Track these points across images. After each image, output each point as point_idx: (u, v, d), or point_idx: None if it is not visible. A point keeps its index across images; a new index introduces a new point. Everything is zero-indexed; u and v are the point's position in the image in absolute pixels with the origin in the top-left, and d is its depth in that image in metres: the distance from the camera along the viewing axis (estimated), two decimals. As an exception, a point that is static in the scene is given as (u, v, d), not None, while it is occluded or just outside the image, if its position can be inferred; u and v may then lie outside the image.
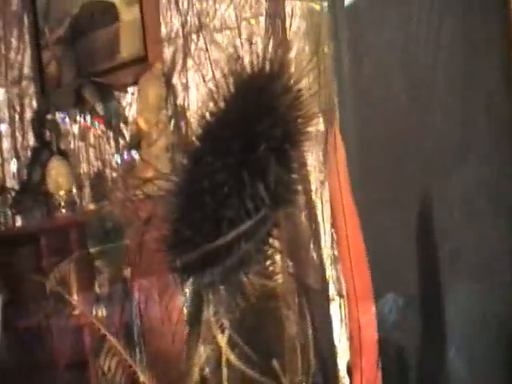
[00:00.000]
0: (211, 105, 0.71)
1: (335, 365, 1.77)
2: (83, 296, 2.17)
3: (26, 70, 2.51)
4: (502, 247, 1.47)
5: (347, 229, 1.29)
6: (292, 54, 1.71)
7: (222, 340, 0.76)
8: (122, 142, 2.19)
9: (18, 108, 2.54)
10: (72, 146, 2.37)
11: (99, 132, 2.26)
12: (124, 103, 2.22)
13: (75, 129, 2.35)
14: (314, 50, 1.72)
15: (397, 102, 1.60)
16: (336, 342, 1.77)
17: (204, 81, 1.96)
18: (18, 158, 2.53)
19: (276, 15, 1.75)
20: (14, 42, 2.53)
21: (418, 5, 1.54)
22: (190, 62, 1.99)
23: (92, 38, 2.31)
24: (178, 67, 2.05)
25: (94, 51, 2.31)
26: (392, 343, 1.56)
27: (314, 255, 1.72)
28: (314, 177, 1.67)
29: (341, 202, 1.27)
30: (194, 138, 0.73)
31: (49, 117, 2.40)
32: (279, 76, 0.70)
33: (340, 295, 1.72)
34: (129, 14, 2.21)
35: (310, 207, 1.67)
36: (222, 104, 0.71)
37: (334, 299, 1.74)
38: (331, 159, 1.24)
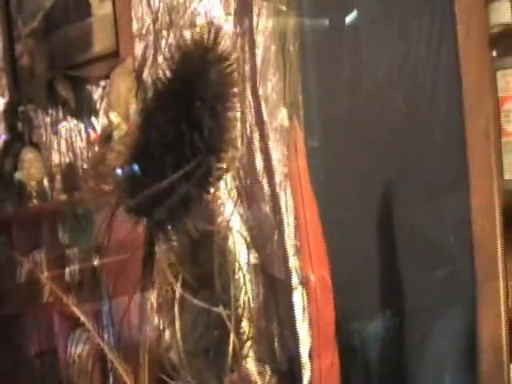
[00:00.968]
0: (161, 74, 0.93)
1: (298, 352, 1.82)
2: (55, 285, 2.21)
3: (-1, 62, 2.54)
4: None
5: (306, 218, 1.37)
6: (258, 52, 1.77)
7: (170, 275, 0.94)
8: (92, 134, 2.23)
9: (-10, 100, 2.56)
10: (44, 138, 2.41)
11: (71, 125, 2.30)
12: (96, 96, 2.25)
13: (47, 121, 2.39)
14: (280, 48, 1.78)
15: (366, 99, 1.64)
16: (298, 330, 1.82)
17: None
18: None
19: (244, 14, 1.81)
20: (-14, 33, 2.55)
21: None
22: (160, 58, 2.04)
23: (65, 32, 2.34)
24: (149, 62, 2.09)
25: (66, 45, 2.35)
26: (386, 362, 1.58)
27: (278, 246, 1.77)
28: (278, 170, 1.72)
29: (300, 191, 1.34)
30: (146, 100, 0.91)
31: (21, 109, 2.43)
32: (213, 49, 0.91)
33: (302, 284, 1.77)
34: (101, 9, 2.25)
35: (274, 199, 1.73)
36: (168, 72, 0.92)
37: (296, 288, 1.78)
38: (291, 151, 1.31)
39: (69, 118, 2.31)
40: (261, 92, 1.76)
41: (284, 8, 1.75)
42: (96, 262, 1.95)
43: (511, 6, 1.18)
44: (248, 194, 1.70)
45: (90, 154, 2.22)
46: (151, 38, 2.07)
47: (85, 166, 2.24)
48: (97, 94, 2.25)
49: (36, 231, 2.25)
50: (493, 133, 1.06)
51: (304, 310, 1.79)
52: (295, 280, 1.79)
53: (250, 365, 1.72)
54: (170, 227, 0.90)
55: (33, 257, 2.24)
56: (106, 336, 1.89)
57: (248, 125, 1.77)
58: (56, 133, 2.35)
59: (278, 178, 1.73)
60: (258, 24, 1.78)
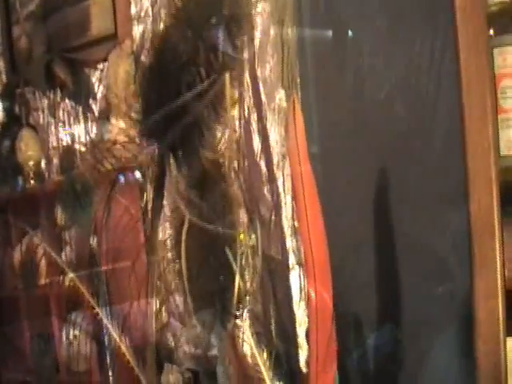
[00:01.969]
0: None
1: (295, 332, 1.84)
2: (52, 267, 2.22)
3: (-4, 45, 2.54)
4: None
5: (305, 199, 1.37)
6: (257, 34, 1.78)
7: (181, 202, 0.95)
8: (90, 116, 2.24)
9: (-13, 82, 2.56)
10: (41, 120, 2.42)
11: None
12: (94, 79, 2.26)
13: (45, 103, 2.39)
14: (278, 31, 1.79)
15: (362, 86, 1.65)
16: (295, 310, 1.83)
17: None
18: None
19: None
20: (-16, 16, 2.55)
21: None
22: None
23: (63, 15, 2.35)
24: (147, 45, 2.09)
25: (64, 28, 2.35)
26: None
27: (276, 226, 1.78)
28: (276, 151, 1.73)
29: (300, 172, 1.35)
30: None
31: (18, 91, 2.44)
32: None
33: (299, 264, 1.78)
34: (100, -8, 2.25)
35: (272, 180, 1.74)
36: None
37: (293, 268, 1.80)
38: (290, 131, 1.32)
39: (66, 100, 2.32)
40: (259, 73, 1.77)
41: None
42: (94, 242, 1.96)
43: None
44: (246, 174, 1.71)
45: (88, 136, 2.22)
46: (149, 20, 2.08)
47: (83, 149, 2.25)
48: (95, 76, 2.26)
49: (33, 212, 2.26)
50: (490, 109, 1.08)
51: (301, 290, 1.80)
52: (292, 260, 1.81)
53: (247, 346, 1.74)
54: (181, 153, 0.92)
55: (30, 237, 2.25)
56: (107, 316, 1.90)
57: (246, 106, 1.78)
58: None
59: (275, 158, 1.74)
60: (256, 6, 1.79)
